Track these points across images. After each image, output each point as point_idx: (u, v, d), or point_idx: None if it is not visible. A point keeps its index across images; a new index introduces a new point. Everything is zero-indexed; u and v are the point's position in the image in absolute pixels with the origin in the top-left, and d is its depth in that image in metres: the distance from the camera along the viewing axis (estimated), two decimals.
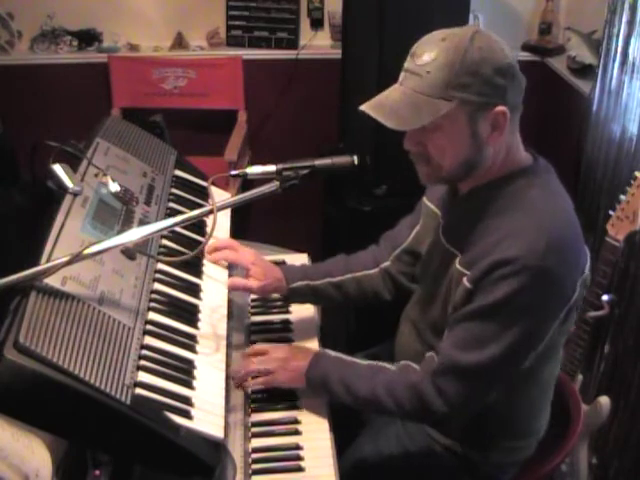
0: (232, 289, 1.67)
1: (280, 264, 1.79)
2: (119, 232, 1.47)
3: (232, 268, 1.74)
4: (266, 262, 1.73)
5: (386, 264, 1.75)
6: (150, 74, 3.30)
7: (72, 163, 1.58)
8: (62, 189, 1.50)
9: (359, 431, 1.73)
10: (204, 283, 1.61)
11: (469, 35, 1.34)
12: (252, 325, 1.75)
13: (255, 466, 1.42)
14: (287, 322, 1.77)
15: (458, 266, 1.44)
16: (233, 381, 1.54)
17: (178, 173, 1.87)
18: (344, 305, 1.81)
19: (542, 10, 3.27)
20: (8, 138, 2.97)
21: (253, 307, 1.81)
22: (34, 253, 1.31)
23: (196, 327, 1.48)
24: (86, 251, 1.30)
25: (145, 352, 1.32)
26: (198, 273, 1.63)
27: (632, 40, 2.44)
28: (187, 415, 1.28)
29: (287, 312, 1.80)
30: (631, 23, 2.44)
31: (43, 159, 1.54)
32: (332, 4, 3.24)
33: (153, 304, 1.44)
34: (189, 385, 1.34)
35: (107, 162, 1.67)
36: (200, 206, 1.76)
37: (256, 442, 1.46)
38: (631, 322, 2.32)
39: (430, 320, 1.56)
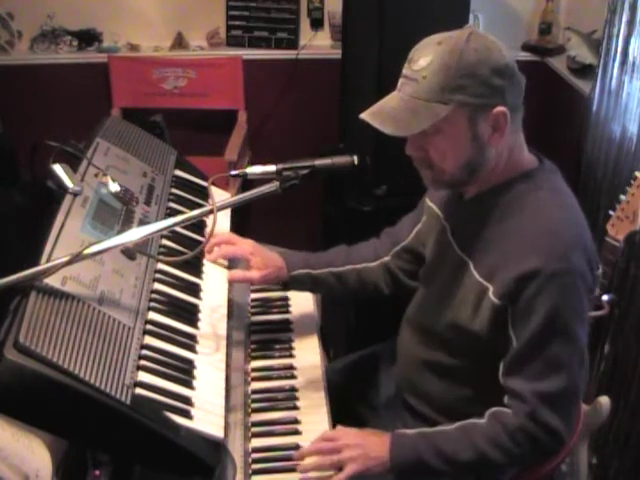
0: (233, 281, 1.67)
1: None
2: (119, 232, 1.47)
3: (232, 261, 1.74)
4: (265, 251, 1.72)
5: (386, 259, 1.75)
6: (150, 74, 3.30)
7: (72, 163, 1.58)
8: (62, 189, 1.50)
9: None
10: (204, 283, 1.61)
11: (465, 37, 1.33)
12: (252, 325, 1.74)
13: (255, 466, 1.42)
14: (287, 322, 1.77)
15: (477, 277, 1.43)
16: (298, 465, 1.42)
17: (178, 173, 1.87)
18: (343, 295, 1.81)
19: (542, 10, 3.27)
20: (8, 138, 2.98)
21: (253, 307, 1.81)
22: (34, 253, 1.31)
23: (196, 327, 1.48)
24: (86, 251, 1.30)
25: (145, 352, 1.32)
26: (198, 273, 1.63)
27: (632, 40, 2.44)
28: (187, 415, 1.28)
29: (287, 312, 1.80)
30: (631, 23, 2.44)
31: (43, 159, 1.54)
32: (332, 4, 3.24)
33: (153, 304, 1.44)
34: (189, 385, 1.34)
35: (107, 162, 1.67)
36: (200, 206, 1.76)
37: (256, 442, 1.46)
38: (631, 322, 2.32)
39: (435, 325, 1.55)
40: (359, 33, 2.79)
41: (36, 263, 1.26)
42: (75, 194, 1.50)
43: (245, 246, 1.71)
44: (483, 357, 1.47)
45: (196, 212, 1.47)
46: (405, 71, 1.37)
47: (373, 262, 1.76)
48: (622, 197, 1.95)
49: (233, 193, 2.47)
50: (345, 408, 1.72)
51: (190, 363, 1.39)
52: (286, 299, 1.83)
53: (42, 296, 1.22)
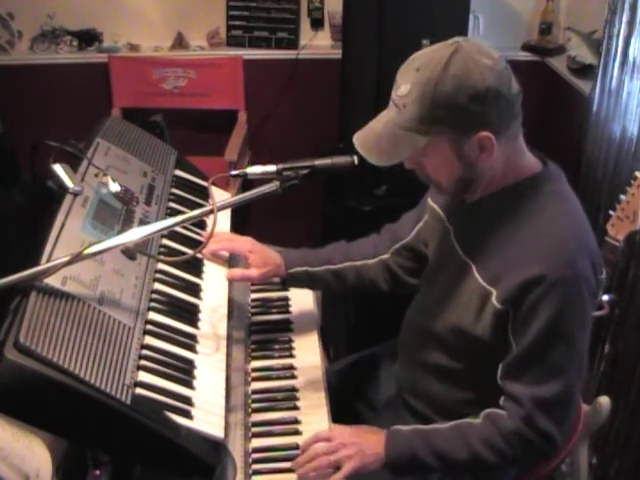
0: (232, 280, 1.67)
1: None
2: (119, 232, 1.47)
3: (232, 260, 1.74)
4: (264, 248, 1.72)
5: (385, 256, 1.75)
6: (150, 74, 3.30)
7: (72, 163, 1.58)
8: (62, 189, 1.50)
9: None
10: (204, 283, 1.61)
11: (444, 61, 1.30)
12: (252, 325, 1.74)
13: (255, 466, 1.42)
14: (287, 322, 1.77)
15: (481, 281, 1.43)
16: (297, 470, 1.42)
17: (178, 173, 1.87)
18: (342, 292, 1.81)
19: (542, 10, 3.27)
20: (8, 138, 2.97)
21: (253, 307, 1.80)
22: (34, 253, 1.31)
23: (196, 327, 1.48)
24: (86, 251, 1.30)
25: (145, 352, 1.32)
26: (198, 273, 1.63)
27: (632, 40, 2.44)
28: (187, 415, 1.28)
29: (287, 312, 1.80)
30: (631, 23, 2.44)
31: (43, 159, 1.54)
32: (332, 4, 3.24)
33: (153, 304, 1.44)
34: (189, 385, 1.34)
35: (107, 162, 1.67)
36: (200, 206, 1.76)
37: (256, 442, 1.46)
38: (631, 322, 2.32)
39: (436, 328, 1.55)
40: (359, 33, 2.79)
41: (36, 263, 1.26)
42: (75, 194, 1.50)
43: (244, 244, 1.71)
44: (484, 361, 1.47)
45: (196, 212, 1.47)
46: (392, 94, 1.37)
47: (372, 259, 1.75)
48: (622, 197, 1.94)
49: (233, 193, 2.47)
50: (345, 408, 1.72)
51: (190, 363, 1.39)
52: (286, 299, 1.83)
53: (42, 296, 1.22)
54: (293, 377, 1.62)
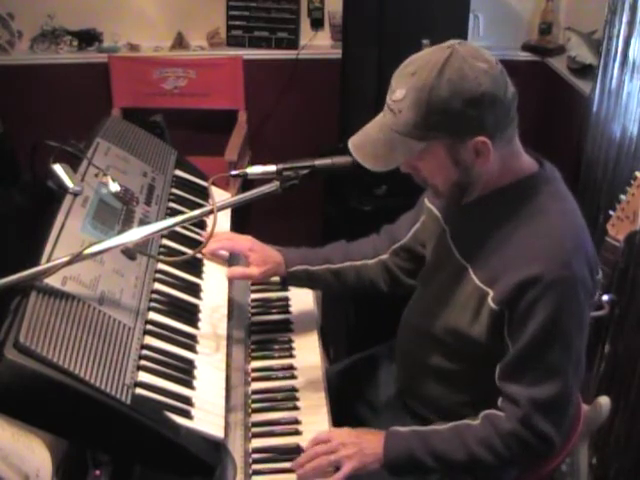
0: (232, 278, 1.67)
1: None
2: (119, 232, 1.47)
3: (232, 259, 1.74)
4: (264, 247, 1.72)
5: (384, 257, 1.75)
6: (150, 74, 3.30)
7: (72, 163, 1.58)
8: (62, 189, 1.50)
9: None
10: (204, 283, 1.61)
11: (439, 66, 1.29)
12: (252, 325, 1.74)
13: (255, 466, 1.42)
14: (287, 322, 1.77)
15: (477, 282, 1.43)
16: (297, 470, 1.42)
17: (178, 173, 1.87)
18: (341, 292, 1.81)
19: (542, 10, 3.27)
20: (8, 138, 2.98)
21: (253, 307, 1.80)
22: (34, 253, 1.31)
23: (196, 327, 1.48)
24: (86, 251, 1.30)
25: (145, 352, 1.32)
26: (198, 273, 1.63)
27: (632, 40, 2.44)
28: (187, 415, 1.28)
29: (287, 312, 1.80)
30: (631, 23, 2.44)
31: (43, 159, 1.54)
32: (332, 4, 3.24)
33: (153, 304, 1.44)
34: (189, 385, 1.34)
35: (107, 162, 1.67)
36: (200, 206, 1.76)
37: (256, 442, 1.46)
38: (631, 322, 2.32)
39: (432, 328, 1.55)
40: (359, 33, 2.79)
41: (36, 263, 1.26)
42: (75, 194, 1.50)
43: (244, 242, 1.71)
44: (481, 362, 1.47)
45: (196, 212, 1.47)
46: (387, 99, 1.36)
47: (372, 259, 1.75)
48: (622, 197, 1.95)
49: (233, 193, 2.47)
50: (345, 409, 1.72)
51: (190, 363, 1.39)
52: (286, 299, 1.83)
53: (42, 296, 1.22)
54: (293, 377, 1.62)
